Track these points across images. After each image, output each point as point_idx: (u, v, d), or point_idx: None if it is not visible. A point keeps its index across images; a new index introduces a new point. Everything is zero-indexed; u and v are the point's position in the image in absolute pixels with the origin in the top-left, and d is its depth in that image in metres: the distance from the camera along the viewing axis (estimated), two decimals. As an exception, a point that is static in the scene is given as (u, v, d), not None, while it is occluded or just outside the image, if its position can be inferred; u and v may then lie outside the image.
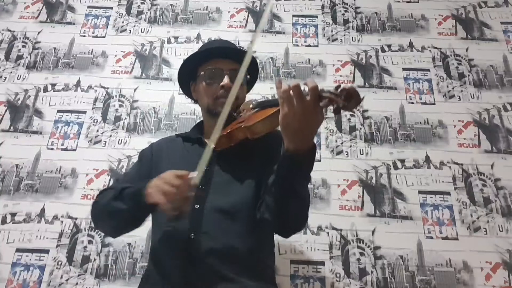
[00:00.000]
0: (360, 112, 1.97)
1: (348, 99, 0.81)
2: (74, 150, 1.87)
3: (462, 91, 2.03)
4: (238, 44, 2.12)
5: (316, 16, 2.26)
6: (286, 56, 2.13)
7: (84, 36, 2.19)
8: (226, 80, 1.22)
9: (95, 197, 1.23)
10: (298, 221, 1.06)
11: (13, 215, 1.72)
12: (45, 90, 2.02)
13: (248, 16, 2.26)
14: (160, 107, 1.99)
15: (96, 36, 2.19)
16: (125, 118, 1.96)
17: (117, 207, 1.09)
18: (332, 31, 2.21)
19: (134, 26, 2.22)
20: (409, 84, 2.05)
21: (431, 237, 1.68)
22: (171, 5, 2.29)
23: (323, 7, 2.29)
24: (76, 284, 1.60)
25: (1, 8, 2.26)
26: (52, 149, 1.87)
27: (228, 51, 1.29)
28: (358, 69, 2.09)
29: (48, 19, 2.24)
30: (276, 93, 2.04)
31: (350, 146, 1.89)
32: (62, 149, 1.87)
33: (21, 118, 1.95)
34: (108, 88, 2.03)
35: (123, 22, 2.23)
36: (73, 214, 1.72)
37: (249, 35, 2.19)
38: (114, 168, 1.82)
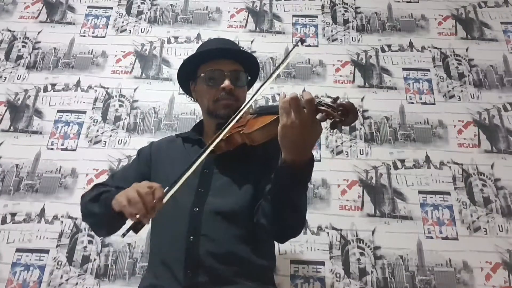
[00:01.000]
0: (360, 112, 1.97)
1: (345, 114, 0.81)
2: (74, 150, 1.87)
3: (462, 91, 2.03)
4: (238, 44, 2.11)
5: (316, 16, 2.26)
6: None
7: (84, 36, 2.19)
8: (227, 82, 1.21)
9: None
10: (294, 229, 1.06)
11: (13, 215, 1.72)
12: (45, 90, 2.02)
13: (248, 16, 2.26)
14: (160, 107, 1.98)
15: (96, 36, 2.19)
16: (125, 118, 1.96)
17: (92, 210, 1.12)
18: (332, 31, 2.21)
19: (134, 26, 2.22)
20: (409, 84, 2.04)
21: (431, 237, 1.68)
22: (171, 5, 2.29)
23: (323, 7, 2.29)
24: (76, 284, 1.60)
25: (1, 8, 2.26)
26: (52, 149, 1.87)
27: (229, 51, 1.28)
28: (358, 69, 2.09)
29: (48, 19, 2.24)
30: (276, 94, 2.04)
31: (350, 146, 1.89)
32: (62, 149, 1.87)
33: (21, 118, 1.95)
34: (108, 88, 2.03)
35: (123, 22, 2.23)
36: (73, 214, 1.72)
37: (249, 35, 2.20)
38: (114, 168, 1.82)
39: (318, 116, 0.82)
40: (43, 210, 1.73)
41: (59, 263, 1.63)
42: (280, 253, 1.64)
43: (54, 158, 1.85)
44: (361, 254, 1.65)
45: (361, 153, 1.87)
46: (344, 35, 2.20)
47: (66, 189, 1.78)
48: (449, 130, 1.92)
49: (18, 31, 2.19)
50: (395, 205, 1.75)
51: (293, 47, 1.22)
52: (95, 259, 1.64)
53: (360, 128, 1.93)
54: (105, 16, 2.25)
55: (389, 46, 2.16)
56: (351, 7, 2.29)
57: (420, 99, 2.01)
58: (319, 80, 2.06)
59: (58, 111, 1.97)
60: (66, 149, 1.87)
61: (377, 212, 1.74)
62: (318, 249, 1.66)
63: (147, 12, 2.27)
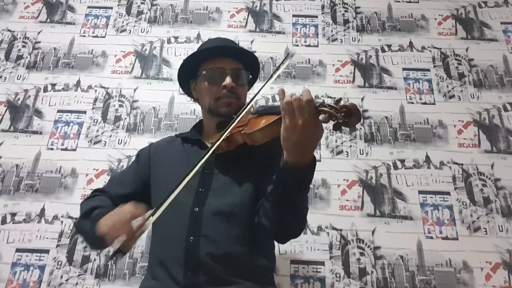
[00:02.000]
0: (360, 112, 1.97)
1: (348, 116, 0.80)
2: (74, 150, 1.87)
3: (462, 91, 2.03)
4: (238, 43, 2.11)
5: (316, 16, 2.26)
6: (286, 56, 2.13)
7: (84, 36, 2.19)
8: (228, 80, 1.20)
9: (86, 197, 1.26)
10: (295, 230, 1.06)
11: (13, 215, 1.72)
12: (45, 90, 2.02)
13: (248, 16, 2.26)
14: (160, 107, 1.99)
15: (96, 36, 2.19)
16: (125, 118, 1.96)
17: (83, 228, 1.14)
18: (332, 31, 2.21)
19: (134, 26, 2.22)
20: (409, 84, 2.05)
21: (431, 237, 1.68)
22: (171, 5, 2.29)
23: (323, 7, 2.29)
24: (76, 284, 1.60)
25: (1, 8, 2.26)
26: (52, 149, 1.87)
27: (230, 50, 1.28)
28: (358, 69, 2.09)
29: (48, 19, 2.24)
30: (276, 94, 2.04)
31: (350, 146, 1.89)
32: (62, 149, 1.87)
33: (21, 118, 1.95)
34: (108, 88, 2.03)
35: (123, 22, 2.23)
36: (73, 214, 1.72)
37: (249, 35, 2.20)
38: (114, 168, 1.82)
39: (321, 117, 0.82)
40: (43, 210, 1.73)
41: (59, 263, 1.63)
42: (280, 253, 1.64)
43: (54, 158, 1.85)
44: (361, 254, 1.66)
45: (361, 153, 1.87)
46: (344, 35, 2.20)
47: (66, 189, 1.78)
48: (449, 130, 1.92)
49: (18, 31, 2.19)
50: (395, 205, 1.75)
51: (285, 58, 1.22)
52: (95, 259, 1.64)
53: (360, 128, 1.93)
54: (105, 16, 2.25)
55: (389, 46, 2.16)
56: (351, 7, 2.29)
57: (420, 99, 2.01)
58: (319, 80, 2.06)
59: (58, 111, 1.97)
60: (66, 149, 1.87)
61: (377, 212, 1.74)
62: (318, 249, 1.66)
63: (147, 12, 2.27)
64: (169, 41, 2.18)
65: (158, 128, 1.94)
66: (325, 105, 0.83)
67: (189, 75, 1.32)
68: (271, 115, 1.02)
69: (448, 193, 1.77)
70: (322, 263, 1.64)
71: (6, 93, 2.01)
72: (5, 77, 2.06)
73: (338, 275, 1.61)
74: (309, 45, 2.17)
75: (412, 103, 2.00)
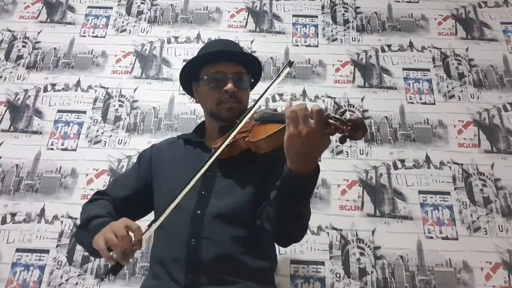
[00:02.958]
0: (360, 112, 1.97)
1: (354, 129, 0.81)
2: (74, 150, 1.87)
3: (462, 91, 2.03)
4: (238, 43, 2.11)
5: (316, 16, 2.26)
6: (286, 56, 2.13)
7: (84, 36, 2.19)
8: (229, 85, 1.20)
9: (89, 198, 1.27)
10: (296, 235, 1.06)
11: (13, 215, 1.72)
12: (45, 90, 2.02)
13: (248, 16, 2.26)
14: (160, 107, 1.98)
15: (96, 36, 2.19)
16: (125, 118, 1.96)
17: (81, 239, 1.16)
18: (332, 31, 2.21)
19: (134, 26, 2.22)
20: (409, 84, 2.04)
21: (431, 237, 1.68)
22: (171, 5, 2.29)
23: (323, 7, 2.29)
24: (76, 284, 1.60)
25: (1, 8, 2.26)
26: (52, 149, 1.87)
27: (232, 54, 1.27)
28: (358, 69, 2.09)
29: (48, 19, 2.24)
30: (276, 93, 2.04)
31: (350, 146, 1.88)
32: (62, 149, 1.87)
33: (21, 118, 1.95)
34: (108, 88, 2.03)
35: (123, 22, 2.23)
36: (73, 214, 1.72)
37: (249, 35, 2.20)
38: (114, 168, 1.82)
39: (327, 130, 0.83)
40: (43, 210, 1.73)
41: (59, 263, 1.63)
42: (280, 253, 1.63)
43: (54, 158, 1.85)
44: (361, 254, 1.65)
45: (361, 153, 1.87)
46: (344, 35, 2.20)
47: (66, 189, 1.78)
48: (449, 130, 1.92)
49: (18, 31, 2.19)
50: (395, 205, 1.75)
51: (284, 67, 1.22)
52: (95, 259, 1.64)
53: (360, 128, 1.93)
54: (105, 16, 2.25)
55: (389, 46, 2.16)
56: (351, 7, 2.29)
57: (420, 99, 2.01)
58: (319, 80, 2.06)
59: (58, 111, 1.97)
60: (66, 149, 1.87)
61: (377, 212, 1.74)
62: (318, 249, 1.66)
63: (147, 12, 2.27)
64: (169, 41, 2.18)
65: (158, 128, 1.94)
66: (332, 117, 0.84)
67: (191, 77, 1.32)
68: (275, 123, 1.01)
69: (448, 193, 1.77)
70: (322, 263, 1.64)
71: (6, 93, 2.01)
72: (5, 77, 2.05)
73: (338, 275, 1.61)
74: (309, 45, 2.17)
75: (412, 103, 2.00)
